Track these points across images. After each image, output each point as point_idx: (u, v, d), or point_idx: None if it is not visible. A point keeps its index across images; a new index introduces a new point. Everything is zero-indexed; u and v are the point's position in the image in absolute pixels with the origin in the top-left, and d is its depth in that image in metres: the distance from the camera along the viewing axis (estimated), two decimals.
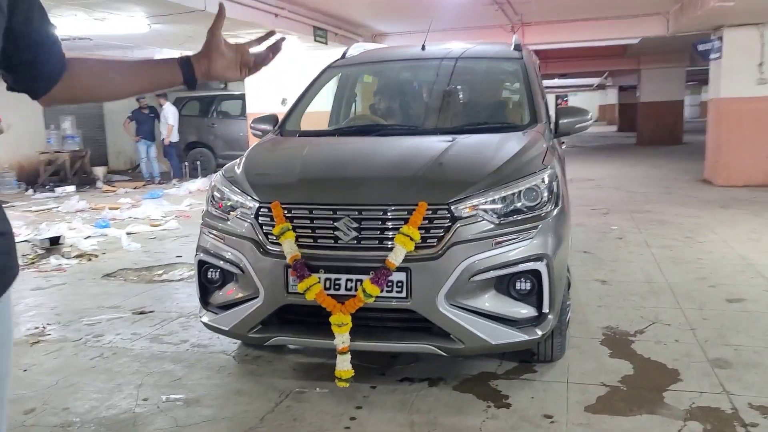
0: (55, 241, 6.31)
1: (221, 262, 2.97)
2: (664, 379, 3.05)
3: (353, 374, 2.75)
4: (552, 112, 3.83)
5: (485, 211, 2.76)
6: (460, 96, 4.02)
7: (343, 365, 2.72)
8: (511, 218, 2.79)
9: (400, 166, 3.01)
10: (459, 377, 3.14)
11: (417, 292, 2.69)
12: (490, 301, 2.76)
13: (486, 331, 2.72)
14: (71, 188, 12.04)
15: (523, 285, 2.80)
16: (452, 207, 2.72)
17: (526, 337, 2.78)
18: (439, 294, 2.67)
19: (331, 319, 2.66)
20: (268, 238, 2.83)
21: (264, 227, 2.85)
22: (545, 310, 2.81)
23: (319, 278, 2.72)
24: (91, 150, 14.60)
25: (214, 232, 3.01)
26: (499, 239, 2.72)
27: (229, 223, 2.98)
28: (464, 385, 3.06)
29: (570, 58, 19.10)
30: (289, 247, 2.74)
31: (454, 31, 11.58)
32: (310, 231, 2.80)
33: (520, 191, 2.84)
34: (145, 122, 13.40)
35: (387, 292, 2.69)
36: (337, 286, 2.73)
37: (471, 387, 3.03)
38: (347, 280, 2.73)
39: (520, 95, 3.77)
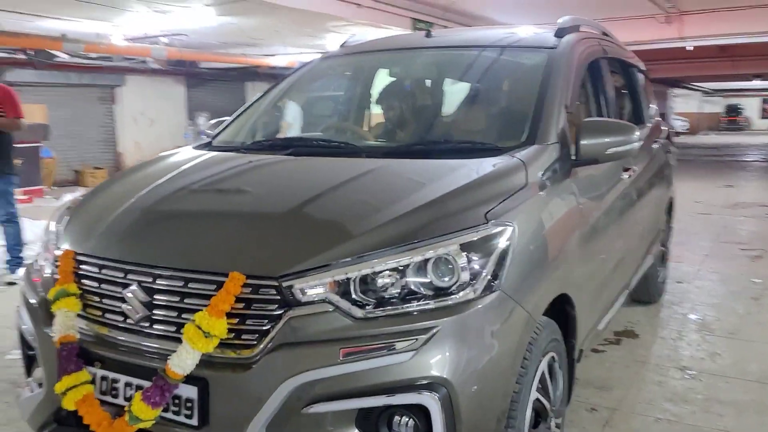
0: None
1: (22, 327, 2.15)
2: None
3: None
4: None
5: (345, 293, 1.64)
6: (436, 101, 2.82)
7: None
8: (389, 309, 1.64)
9: (249, 206, 1.98)
10: None
11: (216, 420, 1.65)
12: None
13: None
14: None
15: (406, 426, 1.64)
16: (284, 284, 1.63)
17: None
18: (250, 428, 1.61)
19: None
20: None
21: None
22: None
23: (93, 375, 1.79)
24: None
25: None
26: (352, 346, 1.59)
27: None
28: None
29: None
30: (61, 320, 1.84)
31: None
32: (98, 299, 1.88)
33: (416, 263, 1.68)
34: None
35: (173, 413, 1.69)
36: (114, 392, 1.78)
37: None
38: (126, 384, 1.76)
39: (531, 102, 2.49)
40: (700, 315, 4.19)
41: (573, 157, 2.38)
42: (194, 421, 1.66)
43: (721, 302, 4.47)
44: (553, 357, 2.09)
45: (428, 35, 3.16)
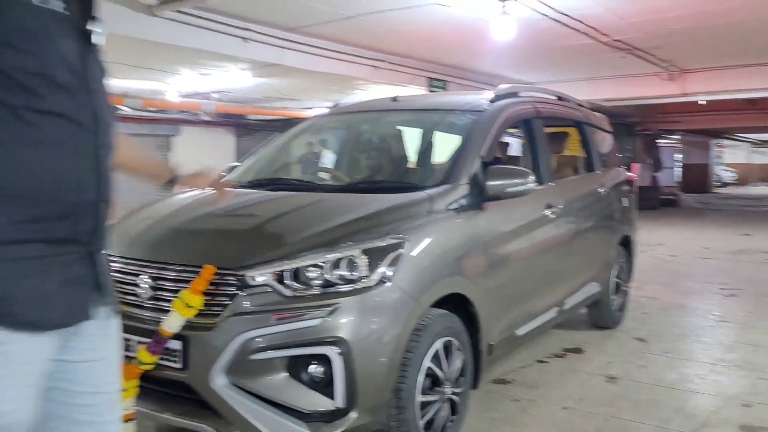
0: None
1: None
2: None
3: None
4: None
5: (280, 280, 2.44)
6: (384, 150, 3.63)
7: None
8: (307, 292, 2.42)
9: (227, 224, 2.81)
10: None
11: (193, 364, 2.45)
12: (276, 386, 2.39)
13: (261, 419, 2.37)
14: None
15: (317, 371, 2.40)
16: (240, 273, 2.44)
17: None
18: (213, 369, 2.39)
19: None
20: None
21: None
22: (339, 404, 2.37)
23: None
24: None
25: None
26: (279, 314, 2.37)
27: None
28: None
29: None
30: None
31: (602, 80, 10.65)
32: (120, 285, 2.72)
33: (330, 261, 2.46)
34: None
35: (166, 360, 2.49)
36: (128, 348, 2.60)
37: None
38: (137, 342, 2.58)
39: (453, 152, 3.28)
40: (645, 337, 4.77)
41: (482, 195, 3.13)
42: (179, 365, 2.46)
43: (672, 330, 5.02)
44: (450, 341, 2.81)
45: (395, 99, 4.01)
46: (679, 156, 24.19)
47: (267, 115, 14.63)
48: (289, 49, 7.19)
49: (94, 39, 1.31)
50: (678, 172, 23.54)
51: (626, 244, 5.12)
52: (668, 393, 3.66)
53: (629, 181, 5.39)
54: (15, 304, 1.19)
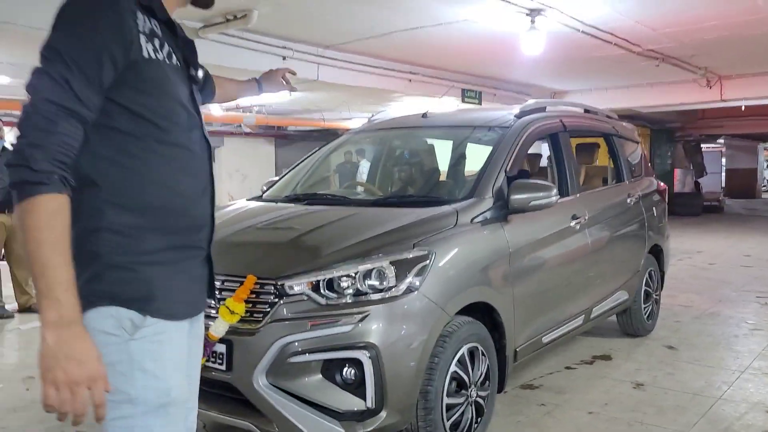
0: None
1: None
2: None
3: None
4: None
5: (315, 289, 2.65)
6: (413, 165, 3.83)
7: None
8: (340, 300, 2.63)
9: (267, 237, 3.04)
10: None
11: (237, 366, 2.68)
12: (312, 386, 2.61)
13: (300, 418, 2.58)
14: None
15: (350, 374, 2.61)
16: (279, 283, 2.67)
17: None
18: (255, 371, 2.62)
19: None
20: None
21: None
22: (370, 404, 2.57)
23: None
24: None
25: None
26: (316, 321, 2.59)
27: None
28: None
29: None
30: None
31: (639, 87, 10.63)
32: None
33: (362, 272, 2.67)
34: None
35: (213, 362, 2.73)
36: None
37: None
38: None
39: (479, 167, 3.46)
40: (675, 345, 4.84)
41: (506, 208, 3.30)
42: (224, 367, 2.70)
43: (703, 338, 5.07)
44: (475, 346, 2.98)
45: (424, 116, 4.21)
46: (725, 161, 23.71)
47: (305, 126, 15.02)
48: (326, 65, 7.47)
49: (196, 81, 1.64)
50: (724, 177, 23.08)
51: (656, 253, 5.19)
52: (693, 399, 3.75)
53: (660, 191, 5.46)
54: (164, 301, 1.46)
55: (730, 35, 7.01)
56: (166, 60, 1.48)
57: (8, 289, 6.06)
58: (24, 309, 6.04)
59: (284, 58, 7.03)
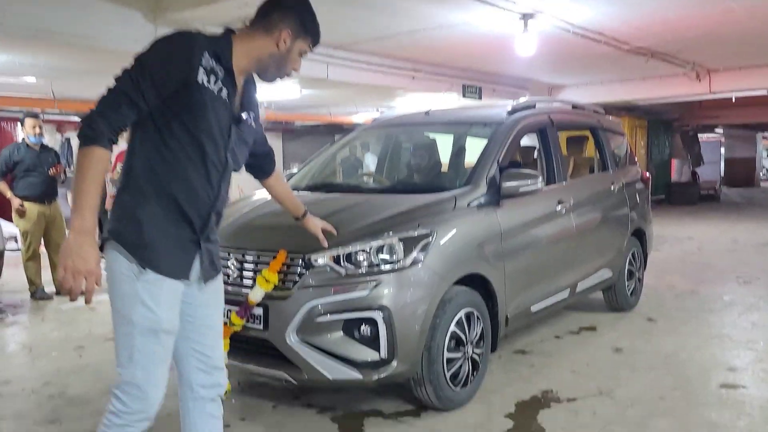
0: None
1: None
2: None
3: (230, 389, 3.35)
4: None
5: (336, 262, 3.19)
6: (417, 158, 4.37)
7: None
8: (357, 271, 3.17)
9: (292, 222, 3.58)
10: (348, 409, 3.52)
11: (272, 325, 3.23)
12: (335, 341, 3.15)
13: (325, 366, 3.13)
14: None
15: (366, 331, 3.15)
16: (306, 257, 3.21)
17: (360, 378, 3.11)
18: (288, 329, 3.16)
19: None
20: None
21: None
22: (383, 356, 3.11)
23: None
24: None
25: None
26: (337, 287, 3.13)
27: None
28: (343, 416, 3.44)
29: None
30: None
31: (634, 81, 11.11)
32: None
33: (375, 247, 3.20)
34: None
35: (251, 323, 3.28)
36: (227, 314, 3.40)
37: (344, 419, 3.41)
38: (228, 310, 3.37)
39: (475, 159, 4.00)
40: (655, 318, 5.37)
41: (499, 193, 3.83)
42: (261, 327, 3.24)
43: (681, 312, 5.59)
44: (471, 311, 3.51)
45: (427, 114, 4.73)
46: (723, 150, 24.08)
47: (312, 121, 15.54)
48: (335, 65, 7.99)
49: (242, 121, 2.16)
50: (723, 166, 23.45)
51: (639, 235, 5.70)
52: (665, 360, 4.28)
53: (644, 180, 5.98)
54: (162, 262, 1.99)
55: (710, 33, 7.49)
56: (215, 92, 1.99)
57: (47, 275, 6.63)
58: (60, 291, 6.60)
59: None
